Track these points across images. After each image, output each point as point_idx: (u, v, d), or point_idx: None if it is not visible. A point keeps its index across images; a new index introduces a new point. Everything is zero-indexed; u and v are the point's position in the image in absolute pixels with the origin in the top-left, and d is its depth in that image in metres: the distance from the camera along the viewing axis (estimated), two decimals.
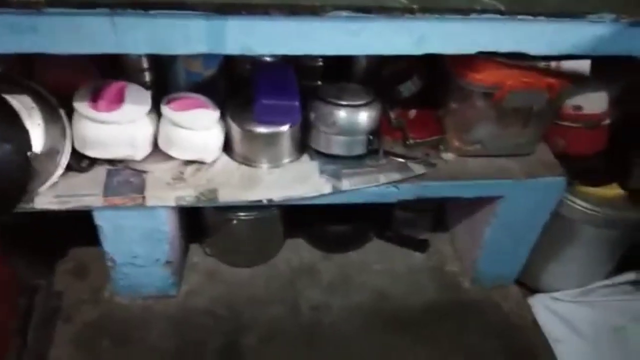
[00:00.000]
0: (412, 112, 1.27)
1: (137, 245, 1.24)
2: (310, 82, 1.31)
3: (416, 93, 1.29)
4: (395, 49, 0.98)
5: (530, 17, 0.97)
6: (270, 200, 1.16)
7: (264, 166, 1.21)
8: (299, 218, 1.46)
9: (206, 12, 0.89)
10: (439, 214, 1.62)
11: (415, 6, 0.92)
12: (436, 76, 1.26)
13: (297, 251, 1.53)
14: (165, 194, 1.13)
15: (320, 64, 1.32)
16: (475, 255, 1.42)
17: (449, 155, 1.25)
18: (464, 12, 0.93)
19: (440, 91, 1.25)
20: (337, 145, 1.20)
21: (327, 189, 1.16)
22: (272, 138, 1.18)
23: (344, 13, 0.91)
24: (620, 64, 1.07)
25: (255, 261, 1.48)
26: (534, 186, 1.23)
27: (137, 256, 1.26)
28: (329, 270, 1.49)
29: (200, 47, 0.94)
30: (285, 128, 1.17)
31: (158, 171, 1.17)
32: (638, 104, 1.33)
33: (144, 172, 1.17)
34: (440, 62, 1.20)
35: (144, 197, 1.13)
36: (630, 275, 1.49)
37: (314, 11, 0.91)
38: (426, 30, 0.96)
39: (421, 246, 1.55)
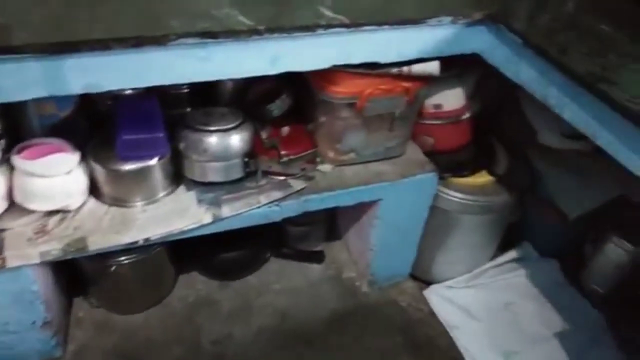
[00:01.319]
0: (285, 130, 1.27)
1: (7, 310, 1.12)
2: (178, 110, 1.27)
3: (287, 110, 1.29)
4: (250, 70, 0.98)
5: (375, 27, 1.01)
6: (147, 240, 1.10)
7: (138, 204, 1.15)
8: (189, 250, 1.41)
9: (39, 54, 0.83)
10: (331, 223, 1.65)
11: (261, 27, 0.92)
12: (303, 92, 1.28)
13: (192, 285, 1.47)
14: (28, 251, 1.04)
15: (186, 90, 1.29)
16: (368, 258, 1.45)
17: (326, 167, 1.27)
18: (310, 28, 0.95)
19: (308, 106, 1.27)
20: (212, 172, 1.17)
21: (207, 218, 1.13)
22: (141, 174, 1.13)
23: (190, 40, 0.89)
24: (470, 61, 1.15)
25: (148, 304, 1.40)
26: (409, 185, 1.28)
27: (9, 322, 1.15)
28: (227, 298, 1.45)
29: (38, 91, 0.88)
30: (154, 162, 1.12)
31: (17, 227, 1.08)
32: (492, 96, 1.44)
33: (2, 230, 1.07)
34: (303, 77, 1.22)
35: (4, 258, 1.03)
36: (512, 254, 1.61)
37: (158, 41, 0.88)
38: (278, 49, 0.97)
39: (317, 258, 1.56)
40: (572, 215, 1.41)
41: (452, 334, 1.41)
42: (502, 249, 1.61)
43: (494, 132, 1.53)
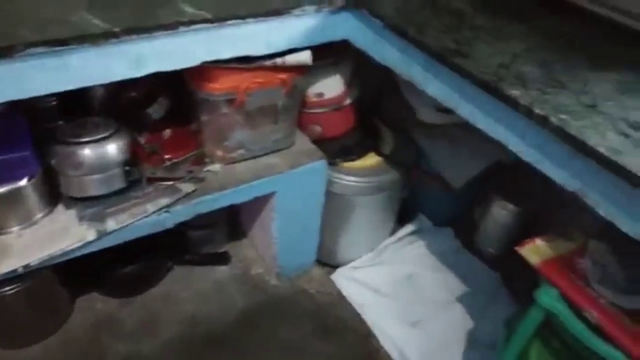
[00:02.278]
0: (167, 133, 1.24)
1: None
2: (49, 124, 1.19)
3: (167, 112, 1.26)
4: (113, 75, 0.94)
5: (239, 21, 1.00)
6: (27, 267, 1.03)
7: (12, 229, 1.07)
8: (83, 270, 1.33)
9: None
10: (234, 221, 1.63)
11: (117, 29, 0.88)
12: (183, 92, 1.25)
13: (92, 306, 1.39)
14: None
15: (55, 102, 1.21)
16: (273, 251, 1.46)
17: (216, 167, 1.25)
18: (172, 26, 0.93)
19: (190, 106, 1.24)
20: (91, 185, 1.11)
21: (90, 235, 1.07)
22: (11, 197, 1.04)
23: (40, 49, 0.84)
24: (345, 48, 1.18)
25: (44, 333, 1.31)
26: (300, 175, 1.30)
27: None
28: (131, 315, 1.39)
29: None
30: (23, 182, 1.05)
31: None
32: (371, 82, 1.49)
33: None
34: (182, 77, 1.19)
35: None
36: (409, 228, 1.68)
37: (4, 53, 0.82)
38: (141, 51, 0.93)
39: (223, 259, 1.54)
40: (456, 184, 1.49)
41: (361, 312, 1.45)
42: (400, 223, 1.68)
43: (378, 115, 1.58)
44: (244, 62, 1.10)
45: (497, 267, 1.60)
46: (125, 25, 0.89)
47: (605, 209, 0.76)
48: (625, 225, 0.74)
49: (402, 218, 1.68)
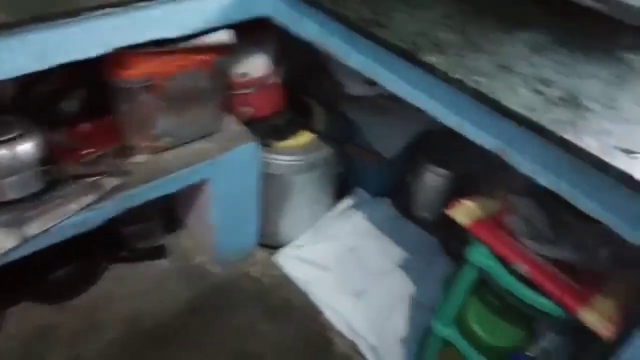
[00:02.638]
0: (85, 126, 1.17)
1: None
2: None
3: (84, 105, 1.19)
4: (15, 69, 0.87)
5: (151, 3, 0.96)
6: None
7: None
8: (12, 278, 1.25)
9: None
10: (171, 212, 1.58)
11: (12, 20, 0.82)
12: (99, 82, 1.18)
13: (25, 315, 1.32)
14: None
15: None
16: (212, 238, 1.43)
17: (141, 157, 1.20)
18: (74, 13, 0.87)
19: (108, 97, 1.18)
20: (5, 189, 1.04)
21: (10, 242, 1.01)
22: None
23: None
24: (268, 25, 1.15)
25: None
26: (233, 158, 1.27)
27: None
28: (67, 320, 1.33)
29: None
30: None
31: None
32: (299, 58, 1.47)
33: None
34: (97, 66, 1.12)
35: None
36: (347, 202, 1.70)
37: None
38: (42, 41, 0.87)
39: (161, 252, 1.50)
40: (387, 155, 1.52)
41: (307, 291, 1.46)
42: (339, 198, 1.69)
43: (309, 92, 1.57)
44: (162, 46, 1.05)
45: (433, 231, 1.65)
46: (25, 14, 0.83)
47: (525, 167, 0.79)
48: (544, 179, 0.78)
49: (340, 193, 1.69)
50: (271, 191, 1.45)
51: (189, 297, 1.41)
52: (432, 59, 0.83)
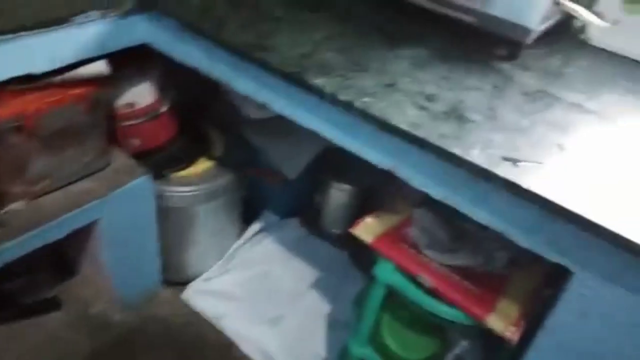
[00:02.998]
0: None
1: None
2: None
3: None
4: None
5: (13, 36, 0.86)
6: None
7: None
8: None
9: None
10: (62, 259, 1.44)
11: None
12: None
13: None
14: None
15: None
16: (110, 283, 1.32)
17: (17, 205, 1.08)
18: None
19: None
20: None
21: None
22: None
23: None
24: (151, 53, 1.09)
25: None
26: (124, 195, 1.18)
27: None
28: None
29: None
30: None
31: None
32: (191, 83, 1.41)
33: None
34: None
35: None
36: (255, 226, 1.65)
37: None
38: None
39: (52, 305, 1.36)
40: (291, 175, 1.50)
41: (219, 325, 1.39)
42: (247, 224, 1.64)
43: (206, 118, 1.51)
44: (31, 81, 0.95)
45: (344, 245, 1.65)
46: None
47: (417, 181, 0.80)
48: (436, 192, 0.79)
49: (247, 218, 1.65)
50: (172, 225, 1.37)
51: (89, 351, 1.29)
52: (318, 81, 0.82)
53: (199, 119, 1.50)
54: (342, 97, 0.79)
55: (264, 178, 1.56)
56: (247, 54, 0.89)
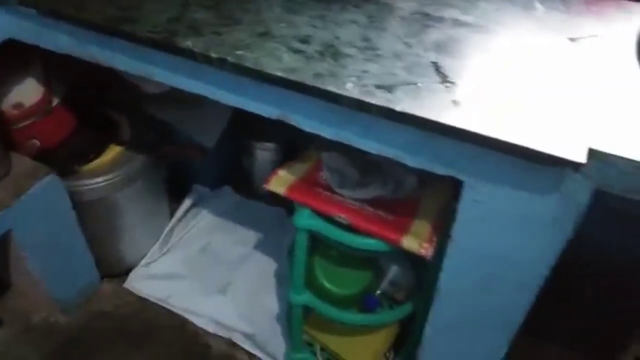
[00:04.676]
0: None
1: None
2: None
3: None
4: None
5: None
6: None
7: None
8: None
9: None
10: None
11: None
12: None
13: None
14: None
15: None
16: (45, 289, 1.30)
17: None
18: None
19: None
20: None
21: None
22: None
23: None
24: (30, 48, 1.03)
25: None
26: (32, 199, 1.15)
27: None
28: None
29: None
30: None
31: None
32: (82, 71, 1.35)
33: None
34: None
35: None
36: (187, 202, 1.63)
37: None
38: None
39: None
40: (209, 144, 1.48)
41: (168, 306, 1.40)
42: (178, 202, 1.63)
43: (108, 103, 1.46)
44: None
45: (279, 202, 1.66)
46: None
47: (307, 125, 0.81)
48: (327, 132, 0.80)
49: (180, 196, 1.63)
50: (96, 217, 1.34)
51: None
52: (188, 43, 0.80)
53: (99, 105, 1.44)
54: (214, 54, 0.78)
55: (181, 153, 1.54)
56: (114, 29, 0.85)
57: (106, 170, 1.30)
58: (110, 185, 1.31)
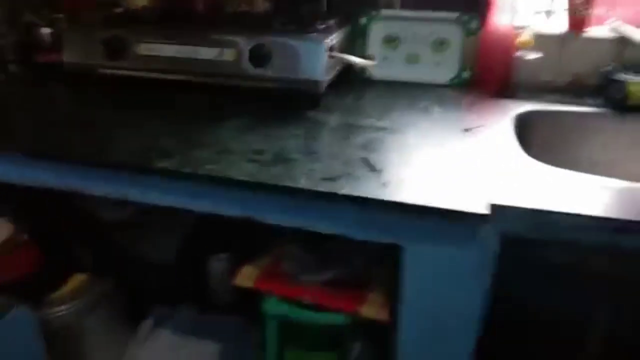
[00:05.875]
0: None
1: None
2: None
3: None
4: None
5: None
6: None
7: None
8: None
9: None
10: None
11: None
12: None
13: None
14: None
15: None
16: None
17: None
18: None
19: None
20: None
21: None
22: None
23: None
24: None
25: None
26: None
27: None
28: None
29: None
30: None
31: None
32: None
33: None
34: None
35: None
36: (147, 324, 1.67)
37: None
38: None
39: None
40: (166, 262, 1.58)
41: None
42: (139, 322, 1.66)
43: (67, 231, 1.54)
44: None
45: (237, 311, 1.73)
46: None
47: (270, 218, 0.97)
48: (288, 222, 0.96)
49: (139, 316, 1.67)
50: (60, 345, 1.36)
51: None
52: (163, 164, 0.96)
53: (61, 235, 1.53)
54: (186, 170, 0.94)
55: (143, 273, 1.61)
56: (94, 162, 1.00)
57: (70, 297, 1.36)
58: (74, 313, 1.35)
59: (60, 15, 1.63)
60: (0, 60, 1.54)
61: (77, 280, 1.41)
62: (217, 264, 1.71)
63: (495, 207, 0.83)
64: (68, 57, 1.37)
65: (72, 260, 1.45)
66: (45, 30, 1.59)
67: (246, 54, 1.23)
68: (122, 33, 1.31)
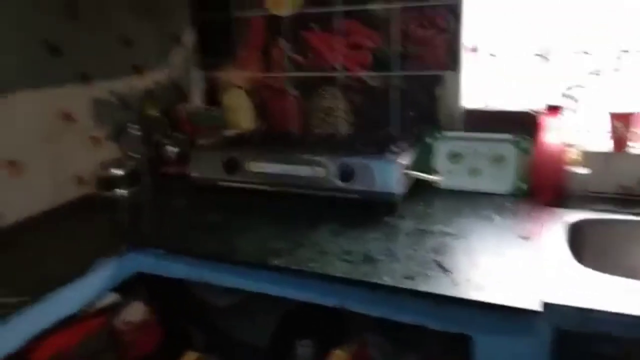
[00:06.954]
0: None
1: None
2: None
3: None
4: None
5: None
6: None
7: None
8: None
9: None
10: None
11: None
12: None
13: None
14: None
15: None
16: None
17: None
18: None
19: None
20: None
21: None
22: None
23: None
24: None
25: None
26: None
27: None
28: None
29: None
30: None
31: None
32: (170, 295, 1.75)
33: None
34: None
35: None
36: None
37: None
38: None
39: None
40: (261, 343, 1.80)
41: None
42: None
43: (182, 315, 1.83)
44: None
45: None
46: None
47: (358, 308, 1.19)
48: (374, 312, 1.18)
49: None
50: None
51: None
52: (276, 261, 1.23)
53: (178, 318, 1.81)
54: (294, 267, 1.21)
55: (242, 353, 1.85)
56: (226, 259, 1.29)
57: None
58: None
59: (182, 136, 2.04)
60: (136, 173, 1.93)
61: (190, 357, 1.66)
62: (305, 349, 1.91)
63: (547, 305, 1.02)
64: (194, 171, 1.73)
65: (186, 339, 1.72)
66: (171, 148, 1.99)
67: (334, 171, 1.53)
68: (237, 155, 1.66)
